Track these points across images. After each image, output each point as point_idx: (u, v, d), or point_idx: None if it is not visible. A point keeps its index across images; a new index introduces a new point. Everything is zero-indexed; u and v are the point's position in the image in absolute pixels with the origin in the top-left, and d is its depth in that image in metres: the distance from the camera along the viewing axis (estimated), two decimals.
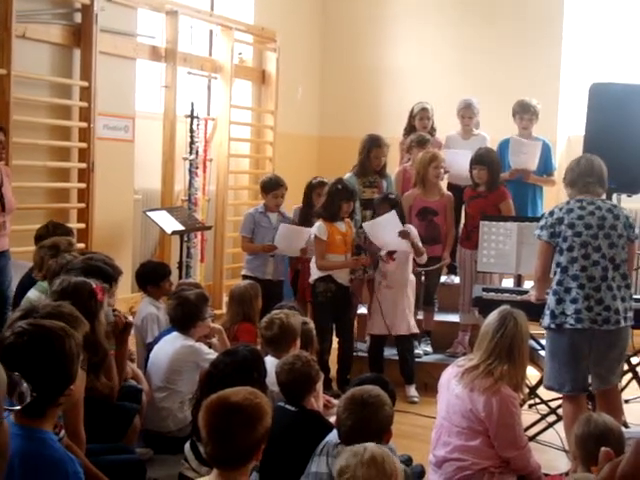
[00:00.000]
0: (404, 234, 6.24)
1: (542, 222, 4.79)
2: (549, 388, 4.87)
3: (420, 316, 6.96)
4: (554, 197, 7.53)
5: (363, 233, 6.71)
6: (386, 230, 6.29)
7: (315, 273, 6.40)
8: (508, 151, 7.14)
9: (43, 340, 2.58)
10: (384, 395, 3.42)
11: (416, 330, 6.54)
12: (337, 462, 2.86)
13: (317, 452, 3.51)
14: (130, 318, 4.56)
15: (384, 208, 6.38)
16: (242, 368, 3.65)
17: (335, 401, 4.75)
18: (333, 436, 3.53)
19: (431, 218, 6.79)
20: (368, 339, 6.82)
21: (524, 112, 7.24)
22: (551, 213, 4.76)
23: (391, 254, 6.32)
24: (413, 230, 6.42)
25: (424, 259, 6.45)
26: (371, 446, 2.81)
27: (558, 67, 9.28)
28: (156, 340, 5.09)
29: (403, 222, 6.35)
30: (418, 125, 7.63)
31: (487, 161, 6.68)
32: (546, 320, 4.69)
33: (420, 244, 6.38)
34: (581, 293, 4.56)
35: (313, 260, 6.46)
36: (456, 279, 7.47)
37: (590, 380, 4.73)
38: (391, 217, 6.24)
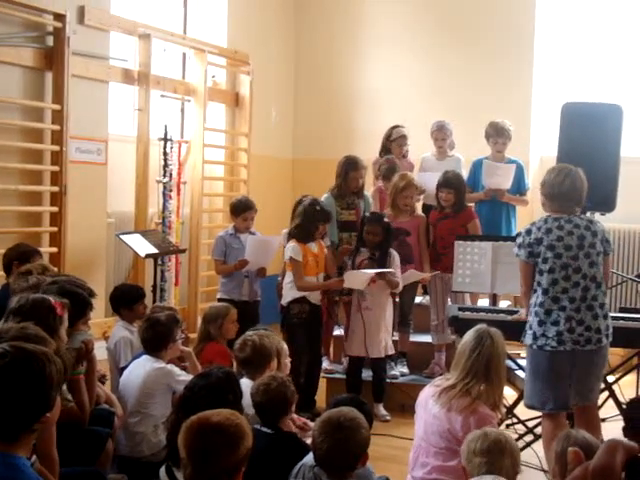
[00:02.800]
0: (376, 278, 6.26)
1: (519, 240, 4.77)
2: (530, 407, 4.86)
3: (395, 337, 6.93)
4: (528, 216, 7.56)
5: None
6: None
7: (289, 295, 6.35)
8: (481, 172, 7.18)
9: (24, 363, 2.52)
10: (360, 417, 3.38)
11: (392, 351, 6.52)
12: None
13: (293, 474, 3.46)
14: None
15: (375, 228, 6.36)
16: (216, 390, 3.59)
17: (312, 423, 4.70)
18: (309, 458, 3.47)
19: (403, 238, 6.79)
20: (345, 361, 6.79)
21: (498, 136, 7.29)
22: (528, 232, 4.73)
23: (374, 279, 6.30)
24: (395, 257, 6.42)
25: (398, 290, 6.48)
26: None
27: (530, 88, 9.36)
28: (130, 364, 5.03)
29: (389, 245, 6.39)
30: (396, 151, 7.66)
31: (454, 184, 6.73)
32: (528, 339, 4.69)
33: (396, 278, 6.37)
34: (562, 315, 4.56)
35: (285, 283, 6.42)
36: None
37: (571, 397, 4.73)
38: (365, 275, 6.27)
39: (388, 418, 6.33)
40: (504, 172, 7.14)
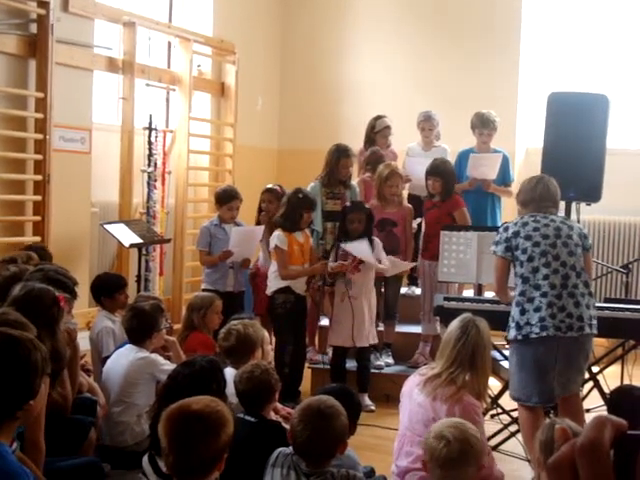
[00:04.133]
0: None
1: (497, 238, 4.86)
2: (516, 399, 4.87)
3: (381, 327, 6.94)
4: (512, 207, 7.52)
5: (323, 245, 6.73)
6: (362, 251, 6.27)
7: (273, 285, 6.34)
8: (467, 164, 7.17)
9: (8, 349, 2.49)
10: (339, 405, 3.36)
11: (376, 341, 6.52)
12: None
13: (270, 462, 3.43)
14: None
15: (358, 215, 6.33)
16: (200, 379, 3.57)
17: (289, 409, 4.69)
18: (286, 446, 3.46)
19: (390, 229, 6.78)
20: (330, 351, 6.78)
21: (484, 127, 7.29)
22: (505, 229, 4.84)
23: (358, 265, 6.27)
24: (378, 244, 6.40)
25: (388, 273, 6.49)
26: None
27: (516, 79, 9.35)
28: (112, 353, 5.00)
29: (371, 232, 6.36)
30: (380, 142, 7.65)
31: (442, 172, 6.72)
32: (512, 333, 4.70)
33: (382, 264, 6.35)
34: (544, 301, 4.58)
35: (270, 272, 6.40)
36: (417, 290, 7.48)
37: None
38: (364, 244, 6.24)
39: (373, 408, 6.33)
40: (490, 162, 7.13)
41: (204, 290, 6.75)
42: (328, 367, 6.61)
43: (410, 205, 7.08)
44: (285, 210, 6.34)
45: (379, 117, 7.79)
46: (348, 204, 6.62)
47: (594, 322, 4.68)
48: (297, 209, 6.26)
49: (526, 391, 4.70)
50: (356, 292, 6.32)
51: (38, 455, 3.23)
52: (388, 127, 7.70)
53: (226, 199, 6.87)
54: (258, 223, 6.99)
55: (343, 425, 3.31)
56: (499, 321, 4.85)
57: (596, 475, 0.83)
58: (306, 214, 6.29)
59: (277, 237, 6.25)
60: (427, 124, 7.66)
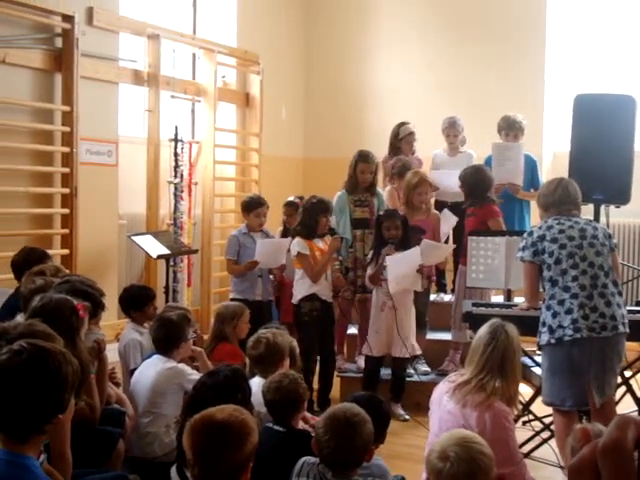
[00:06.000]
0: (421, 270, 6.22)
1: (522, 243, 4.82)
2: (549, 404, 4.80)
3: None
4: None
5: (353, 252, 6.70)
6: (404, 265, 6.21)
7: (299, 293, 6.33)
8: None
9: (41, 362, 2.47)
10: (364, 412, 3.31)
11: (419, 352, 6.47)
12: None
13: (295, 472, 3.38)
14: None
15: (394, 222, 6.30)
16: (224, 389, 3.54)
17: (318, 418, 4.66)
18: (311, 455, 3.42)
19: (418, 237, 6.69)
20: (359, 359, 6.73)
21: (509, 129, 7.23)
22: (530, 233, 4.81)
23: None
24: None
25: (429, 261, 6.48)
26: None
27: (542, 81, 9.27)
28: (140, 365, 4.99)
29: (409, 238, 6.34)
30: (405, 148, 7.63)
31: (462, 180, 6.65)
32: (544, 337, 4.64)
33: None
34: (575, 303, 4.53)
35: (295, 280, 6.40)
36: (446, 297, 7.42)
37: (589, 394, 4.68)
38: (414, 253, 6.19)
39: (407, 417, 6.27)
40: (513, 153, 7.03)
41: (232, 299, 6.74)
42: (358, 375, 6.56)
43: (437, 212, 7.02)
44: (302, 218, 6.36)
45: (402, 124, 7.75)
46: (381, 212, 6.58)
47: (626, 321, 4.64)
48: (313, 215, 6.26)
49: (560, 395, 4.64)
50: (397, 302, 6.26)
51: (65, 467, 3.22)
52: (412, 133, 7.67)
53: (253, 206, 6.86)
54: (284, 236, 6.99)
55: (369, 433, 3.27)
56: (529, 326, 4.78)
57: (619, 477, 0.80)
58: (323, 218, 6.26)
59: (297, 244, 6.26)
60: (452, 130, 7.61)
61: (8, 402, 2.41)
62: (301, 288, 6.32)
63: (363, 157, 6.86)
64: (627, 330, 4.63)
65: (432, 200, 7.33)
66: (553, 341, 4.60)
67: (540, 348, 4.90)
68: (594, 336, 4.51)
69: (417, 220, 6.73)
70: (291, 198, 7.33)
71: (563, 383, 4.62)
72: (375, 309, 6.38)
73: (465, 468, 2.95)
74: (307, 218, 6.30)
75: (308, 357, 6.27)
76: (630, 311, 4.97)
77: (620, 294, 4.66)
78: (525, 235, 4.86)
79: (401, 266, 6.15)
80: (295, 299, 6.36)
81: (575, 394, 4.60)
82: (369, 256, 6.48)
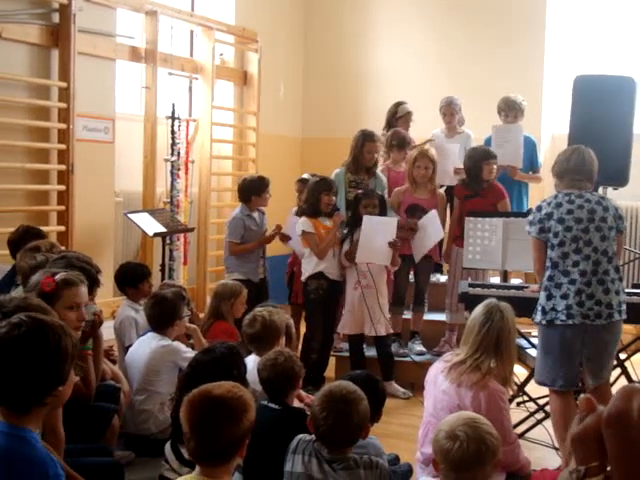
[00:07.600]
0: (394, 244, 6.19)
1: (530, 217, 4.74)
2: (540, 383, 4.81)
3: (407, 315, 6.90)
4: (539, 194, 7.46)
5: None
6: (379, 233, 6.19)
7: (306, 271, 6.37)
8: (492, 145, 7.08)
9: (40, 334, 2.48)
10: (359, 390, 3.32)
11: (390, 331, 6.47)
12: None
13: (291, 449, 3.39)
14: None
15: (371, 201, 6.30)
16: (220, 366, 3.55)
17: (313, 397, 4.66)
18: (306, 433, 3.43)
19: (420, 215, 6.66)
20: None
21: (509, 110, 7.20)
22: (539, 208, 4.70)
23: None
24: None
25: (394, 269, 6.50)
26: None
27: (541, 63, 9.22)
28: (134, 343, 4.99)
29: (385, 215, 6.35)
30: (402, 127, 7.57)
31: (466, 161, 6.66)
32: (538, 316, 4.64)
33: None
34: (572, 288, 4.50)
35: (303, 259, 6.43)
36: (442, 278, 7.41)
37: (583, 376, 4.68)
38: (391, 221, 6.18)
39: (410, 394, 6.30)
40: (513, 134, 7.01)
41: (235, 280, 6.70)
42: (348, 354, 6.59)
43: (444, 193, 6.98)
44: (306, 196, 6.41)
45: (400, 103, 7.73)
46: (360, 191, 6.58)
47: (623, 307, 4.60)
48: (315, 192, 6.30)
49: (551, 375, 4.63)
50: (371, 281, 6.27)
51: (57, 442, 3.23)
52: (410, 113, 7.66)
53: (264, 187, 6.83)
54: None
55: (365, 410, 3.28)
56: (524, 307, 4.78)
57: (624, 447, 0.79)
58: (325, 196, 6.28)
59: (302, 223, 6.32)
60: (448, 109, 7.55)
61: (8, 374, 2.43)
62: (308, 266, 6.40)
63: (370, 137, 6.82)
64: (623, 317, 4.60)
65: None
66: (544, 322, 4.60)
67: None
68: (587, 323, 4.49)
69: (420, 199, 6.70)
70: (305, 175, 7.31)
71: (555, 363, 4.61)
72: (349, 287, 6.39)
73: (474, 447, 2.97)
74: (310, 197, 6.36)
75: (313, 335, 6.30)
76: (627, 294, 4.95)
77: (620, 279, 4.61)
78: (534, 209, 4.78)
79: (376, 232, 6.16)
80: (303, 277, 6.45)
81: (566, 374, 4.59)
82: (345, 232, 6.48)
